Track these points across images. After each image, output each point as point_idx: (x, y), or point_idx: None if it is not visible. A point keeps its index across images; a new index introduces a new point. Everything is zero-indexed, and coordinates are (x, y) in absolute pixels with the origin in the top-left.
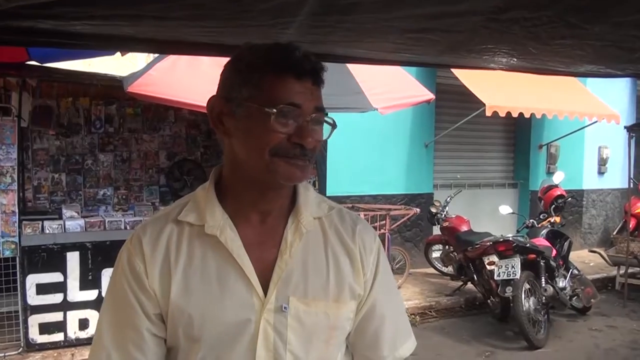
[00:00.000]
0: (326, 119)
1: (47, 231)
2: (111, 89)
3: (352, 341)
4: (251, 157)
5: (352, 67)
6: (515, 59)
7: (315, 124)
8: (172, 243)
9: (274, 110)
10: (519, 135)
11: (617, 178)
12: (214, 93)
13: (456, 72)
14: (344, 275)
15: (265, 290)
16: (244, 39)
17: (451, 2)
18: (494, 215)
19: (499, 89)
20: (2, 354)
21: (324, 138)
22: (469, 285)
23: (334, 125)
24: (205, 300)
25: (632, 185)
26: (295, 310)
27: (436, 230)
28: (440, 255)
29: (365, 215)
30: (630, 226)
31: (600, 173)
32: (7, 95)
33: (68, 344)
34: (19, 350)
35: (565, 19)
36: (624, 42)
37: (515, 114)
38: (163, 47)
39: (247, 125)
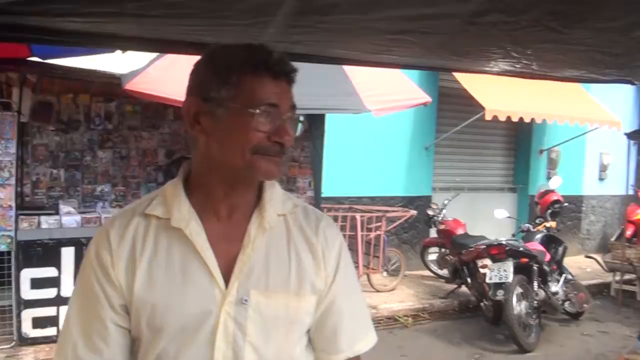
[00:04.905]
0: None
1: (44, 226)
2: (111, 86)
3: (312, 336)
4: (230, 155)
5: (348, 69)
6: (497, 62)
7: (291, 122)
8: (139, 236)
9: (257, 111)
10: (520, 139)
11: (617, 185)
12: None
13: (458, 75)
14: (306, 269)
15: (228, 283)
16: (225, 37)
17: (428, 4)
18: (492, 219)
19: (500, 93)
20: None
21: (296, 135)
22: (463, 288)
23: (303, 123)
24: (168, 291)
25: (632, 192)
26: (256, 302)
27: (433, 233)
28: (436, 257)
29: (362, 216)
30: (628, 233)
31: (601, 179)
32: (9, 90)
33: None
34: (12, 344)
35: (544, 24)
36: (607, 48)
37: (515, 119)
38: (146, 45)
39: (229, 124)
